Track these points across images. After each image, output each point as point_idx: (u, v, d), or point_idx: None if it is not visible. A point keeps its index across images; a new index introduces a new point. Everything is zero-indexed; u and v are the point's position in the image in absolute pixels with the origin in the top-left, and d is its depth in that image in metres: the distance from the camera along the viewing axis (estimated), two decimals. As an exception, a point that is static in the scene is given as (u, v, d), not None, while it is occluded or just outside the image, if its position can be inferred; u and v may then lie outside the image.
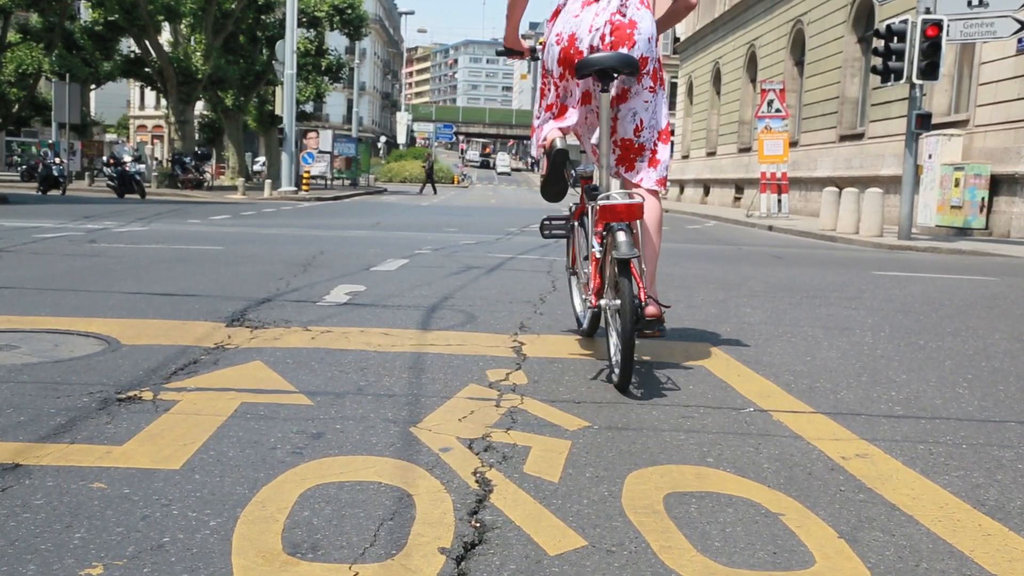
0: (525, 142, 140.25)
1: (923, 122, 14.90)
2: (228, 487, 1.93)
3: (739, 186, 32.12)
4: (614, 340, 3.04)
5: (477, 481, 2.03)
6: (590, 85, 3.42)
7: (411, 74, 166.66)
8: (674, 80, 49.87)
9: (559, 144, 3.48)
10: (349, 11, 39.11)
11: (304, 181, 28.06)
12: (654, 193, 3.52)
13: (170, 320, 3.93)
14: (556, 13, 3.55)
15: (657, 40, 3.49)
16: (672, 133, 3.51)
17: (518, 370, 3.22)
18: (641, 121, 3.48)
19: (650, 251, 3.37)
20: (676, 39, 51.28)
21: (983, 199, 16.60)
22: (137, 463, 2.05)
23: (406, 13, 68.26)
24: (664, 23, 3.64)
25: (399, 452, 2.21)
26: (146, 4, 32.11)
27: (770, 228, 19.51)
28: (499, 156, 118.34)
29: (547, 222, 3.86)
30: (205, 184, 30.52)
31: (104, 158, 49.39)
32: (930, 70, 14.47)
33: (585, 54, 3.36)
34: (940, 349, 4.06)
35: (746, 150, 30.69)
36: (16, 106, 39.79)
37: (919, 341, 4.26)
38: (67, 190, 24.60)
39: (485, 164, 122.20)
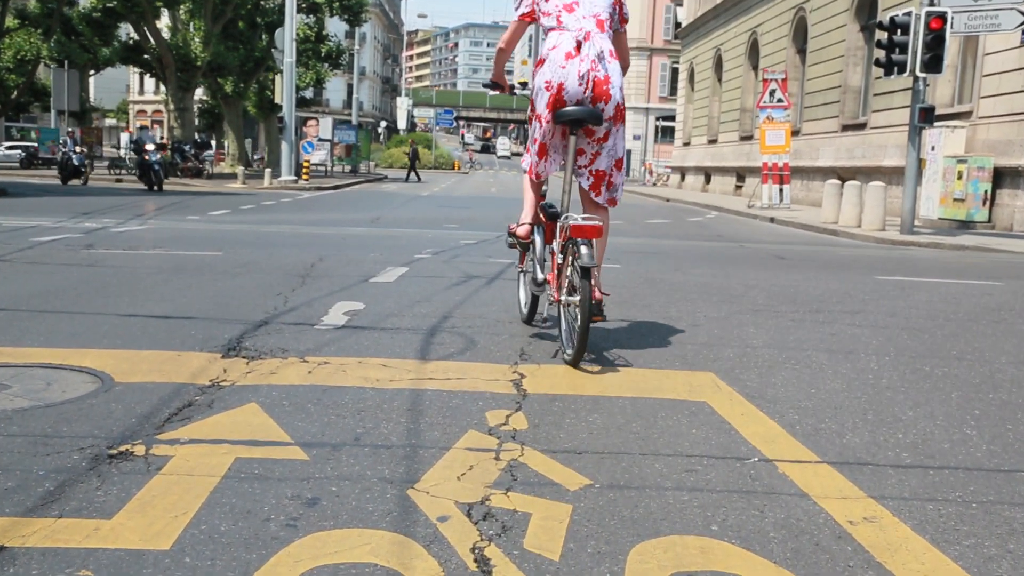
0: (525, 127, 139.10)
1: (926, 115, 14.81)
2: (219, 572, 1.88)
3: (740, 174, 32.00)
4: (566, 327, 4.04)
5: (476, 560, 1.98)
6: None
7: (411, 57, 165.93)
8: (675, 65, 49.66)
9: (521, 232, 4.59)
10: (348, -4, 38.86)
11: (304, 170, 27.93)
12: (606, 210, 4.44)
13: (165, 351, 3.87)
14: (541, 61, 4.28)
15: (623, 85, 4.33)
16: (625, 159, 4.21)
17: (518, 411, 3.17)
18: (618, 160, 4.38)
19: (600, 254, 4.33)
20: (677, 24, 51.04)
21: (986, 192, 16.51)
22: (126, 542, 1.99)
23: (406, -3, 67.68)
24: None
25: (396, 522, 2.16)
26: (144, -10, 31.88)
27: (772, 220, 19.43)
28: (499, 140, 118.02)
29: (510, 236, 4.73)
30: (205, 172, 30.38)
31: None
32: (934, 63, 14.36)
33: (569, 103, 4.15)
34: (946, 377, 4.01)
35: (747, 138, 30.54)
36: (15, 92, 39.62)
37: (924, 367, 4.20)
38: (81, 178, 24.42)
39: (485, 148, 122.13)
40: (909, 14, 14.50)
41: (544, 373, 3.77)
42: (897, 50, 14.65)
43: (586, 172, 4.33)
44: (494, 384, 3.52)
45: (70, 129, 30.41)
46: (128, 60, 37.24)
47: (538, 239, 4.50)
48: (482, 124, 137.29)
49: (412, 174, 40.56)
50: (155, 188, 21.04)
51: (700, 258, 9.42)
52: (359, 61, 57.53)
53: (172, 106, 34.54)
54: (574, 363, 3.83)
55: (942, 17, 14.15)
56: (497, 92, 4.91)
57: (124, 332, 4.22)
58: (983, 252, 13.19)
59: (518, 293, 5.01)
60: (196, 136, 36.49)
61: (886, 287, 7.18)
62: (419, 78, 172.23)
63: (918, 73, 14.45)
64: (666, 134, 53.73)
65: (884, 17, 20.13)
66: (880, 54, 15.23)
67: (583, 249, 3.77)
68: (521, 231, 4.57)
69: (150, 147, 21.35)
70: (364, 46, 70.05)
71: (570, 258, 3.96)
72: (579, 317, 3.73)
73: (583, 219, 3.88)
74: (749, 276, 7.58)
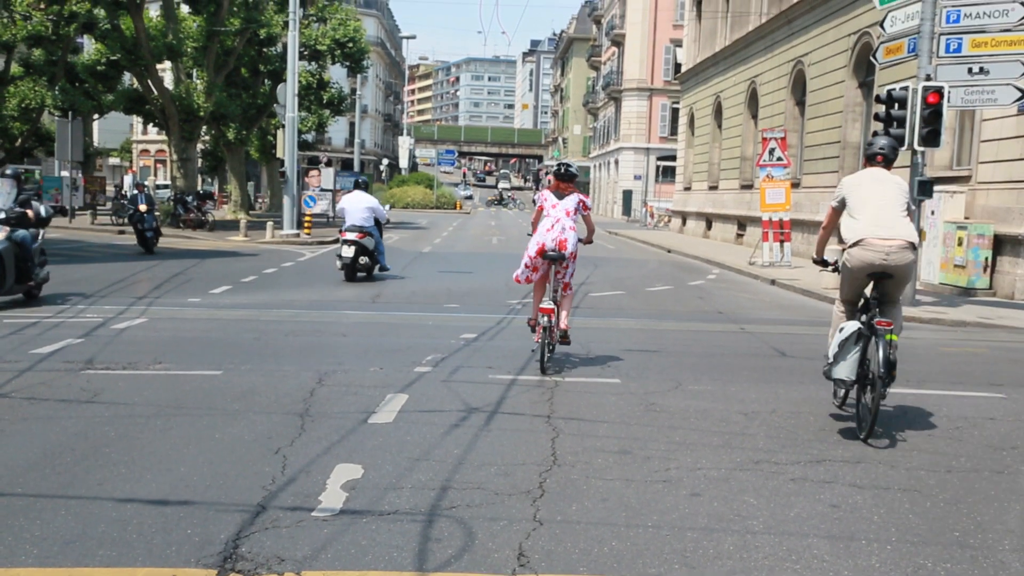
0: (527, 160, 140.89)
1: (925, 188, 14.84)
2: None
3: (742, 223, 32.08)
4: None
5: None
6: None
7: (413, 91, 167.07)
8: (675, 105, 49.93)
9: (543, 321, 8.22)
10: (351, 45, 39.32)
11: (306, 225, 28.02)
12: (569, 288, 8.78)
13: (163, 569, 3.84)
14: (540, 209, 8.80)
15: (577, 241, 8.61)
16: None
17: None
18: (572, 275, 8.72)
19: (569, 304, 8.87)
20: (677, 64, 51.36)
21: (986, 259, 16.55)
22: None
23: (407, 37, 68.44)
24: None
25: None
26: (148, 44, 32.17)
27: (773, 282, 19.46)
28: (501, 173, 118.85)
29: (529, 321, 8.90)
30: (207, 224, 30.50)
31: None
32: (931, 137, 14.44)
33: (548, 251, 8.43)
34: (948, 579, 3.97)
35: (748, 187, 30.65)
36: (19, 140, 39.91)
37: (927, 562, 4.17)
38: (73, 219, 24.44)
39: (483, 182, 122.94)
40: (906, 88, 14.59)
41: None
42: (895, 124, 14.72)
43: (559, 281, 8.62)
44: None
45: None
46: (131, 110, 37.51)
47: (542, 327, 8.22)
48: (484, 157, 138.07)
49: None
50: (150, 251, 21.02)
51: (701, 362, 9.40)
52: (361, 100, 57.87)
53: (175, 156, 34.73)
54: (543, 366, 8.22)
55: (939, 91, 14.24)
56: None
57: (119, 534, 4.19)
58: (984, 329, 13.19)
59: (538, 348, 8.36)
60: (199, 188, 36.72)
61: (885, 413, 7.15)
62: (420, 112, 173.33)
63: (916, 147, 14.52)
64: (667, 173, 53.97)
65: (881, 83, 20.27)
66: (879, 127, 15.31)
67: (563, 315, 8.66)
68: (540, 322, 8.23)
69: (143, 207, 21.33)
70: (366, 84, 70.54)
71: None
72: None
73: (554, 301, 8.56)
74: (750, 396, 7.55)
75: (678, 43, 51.10)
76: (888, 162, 6.95)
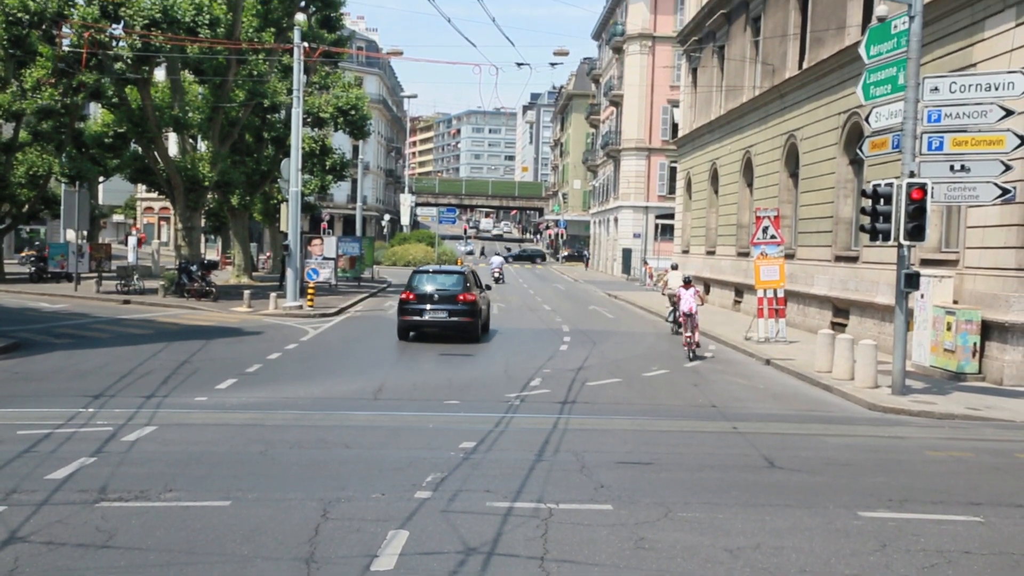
0: (528, 212, 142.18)
1: (911, 281, 15.29)
2: None
3: (739, 289, 32.50)
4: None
5: None
6: None
7: (415, 143, 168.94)
8: (673, 165, 50.63)
9: None
10: (353, 112, 40.09)
11: (309, 297, 28.47)
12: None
13: None
14: (679, 296, 20.21)
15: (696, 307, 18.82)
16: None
17: None
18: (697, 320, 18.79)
19: (696, 333, 20.25)
20: (675, 125, 52.19)
21: (975, 344, 16.93)
22: None
23: (409, 96, 69.50)
24: None
25: None
26: (154, 116, 32.89)
27: (768, 362, 19.81)
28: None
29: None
30: (211, 295, 30.94)
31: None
32: (916, 232, 14.92)
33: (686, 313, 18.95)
34: None
35: (744, 254, 31.10)
36: (26, 206, 40.52)
37: None
38: (78, 286, 24.82)
39: (487, 235, 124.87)
40: (891, 185, 15.09)
41: None
42: (881, 218, 15.21)
43: (693, 325, 19.80)
44: None
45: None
46: (137, 179, 38.20)
47: None
48: (485, 209, 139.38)
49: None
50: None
51: (692, 480, 9.73)
52: (362, 159, 58.66)
53: (179, 225, 35.30)
54: None
55: (923, 188, 14.75)
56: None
57: None
58: (972, 424, 13.52)
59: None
60: (203, 255, 37.22)
61: (865, 546, 7.46)
62: (422, 163, 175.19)
63: (902, 241, 14.98)
64: (666, 231, 54.59)
65: (870, 166, 20.82)
66: (865, 221, 15.79)
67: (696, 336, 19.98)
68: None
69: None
70: (367, 142, 71.46)
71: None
72: None
73: None
74: (736, 527, 7.86)
75: (675, 103, 52.00)
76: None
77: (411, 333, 21.94)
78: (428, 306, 21.43)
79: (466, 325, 21.43)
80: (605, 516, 8.09)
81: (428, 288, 21.80)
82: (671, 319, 25.32)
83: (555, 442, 11.14)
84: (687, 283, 21.14)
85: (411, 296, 21.65)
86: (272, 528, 7.51)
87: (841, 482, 9.62)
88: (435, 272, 23.23)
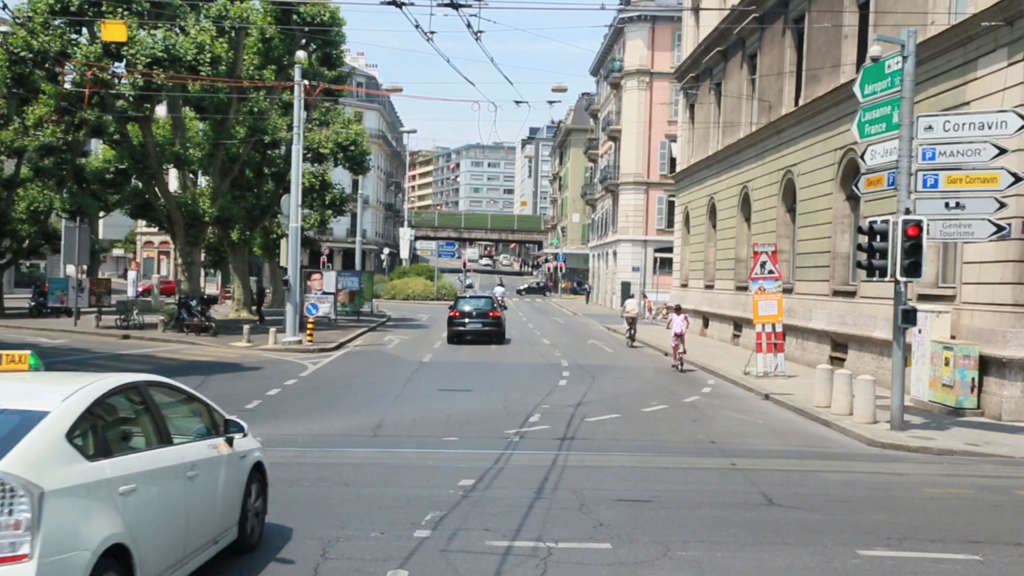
0: (527, 245, 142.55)
1: (908, 317, 15.35)
2: None
3: (738, 323, 32.55)
4: None
5: None
6: None
7: (414, 177, 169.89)
8: (671, 198, 50.89)
9: None
10: (352, 148, 40.33)
11: (309, 332, 28.52)
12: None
13: None
14: (672, 320, 22.74)
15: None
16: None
17: None
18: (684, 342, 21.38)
19: (682, 349, 24.60)
20: (673, 160, 52.52)
21: (973, 379, 16.96)
22: None
23: (408, 132, 69.98)
24: None
25: None
26: (156, 153, 33.13)
27: (767, 397, 19.82)
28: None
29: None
30: (211, 330, 30.98)
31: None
32: (913, 269, 15.00)
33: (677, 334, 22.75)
34: None
35: (743, 288, 31.17)
36: (27, 241, 40.69)
37: None
38: (78, 320, 24.86)
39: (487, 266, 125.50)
40: (887, 222, 15.20)
41: None
42: (878, 255, 15.31)
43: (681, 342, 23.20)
44: None
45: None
46: (138, 215, 38.39)
47: None
48: (484, 242, 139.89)
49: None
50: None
51: (690, 518, 9.74)
52: (362, 193, 58.91)
53: (179, 260, 35.43)
54: None
55: (918, 225, 14.85)
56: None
57: None
58: (971, 461, 13.52)
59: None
60: (203, 291, 37.36)
61: (866, 583, 7.48)
62: (421, 197, 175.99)
63: (899, 278, 15.06)
64: (665, 265, 54.74)
65: (866, 201, 20.96)
66: (862, 258, 15.89)
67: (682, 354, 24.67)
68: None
69: None
70: (367, 176, 71.86)
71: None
72: None
73: None
74: (735, 566, 7.88)
75: (673, 138, 52.35)
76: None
77: (455, 339, 32.00)
78: (467, 320, 32.36)
79: (494, 332, 32.30)
80: (604, 555, 8.10)
81: (467, 308, 33.02)
82: (628, 335, 33.43)
83: (554, 479, 11.15)
84: (678, 309, 26.25)
85: (457, 313, 32.79)
86: (272, 569, 7.52)
87: (840, 520, 9.62)
88: (471, 297, 36.73)
